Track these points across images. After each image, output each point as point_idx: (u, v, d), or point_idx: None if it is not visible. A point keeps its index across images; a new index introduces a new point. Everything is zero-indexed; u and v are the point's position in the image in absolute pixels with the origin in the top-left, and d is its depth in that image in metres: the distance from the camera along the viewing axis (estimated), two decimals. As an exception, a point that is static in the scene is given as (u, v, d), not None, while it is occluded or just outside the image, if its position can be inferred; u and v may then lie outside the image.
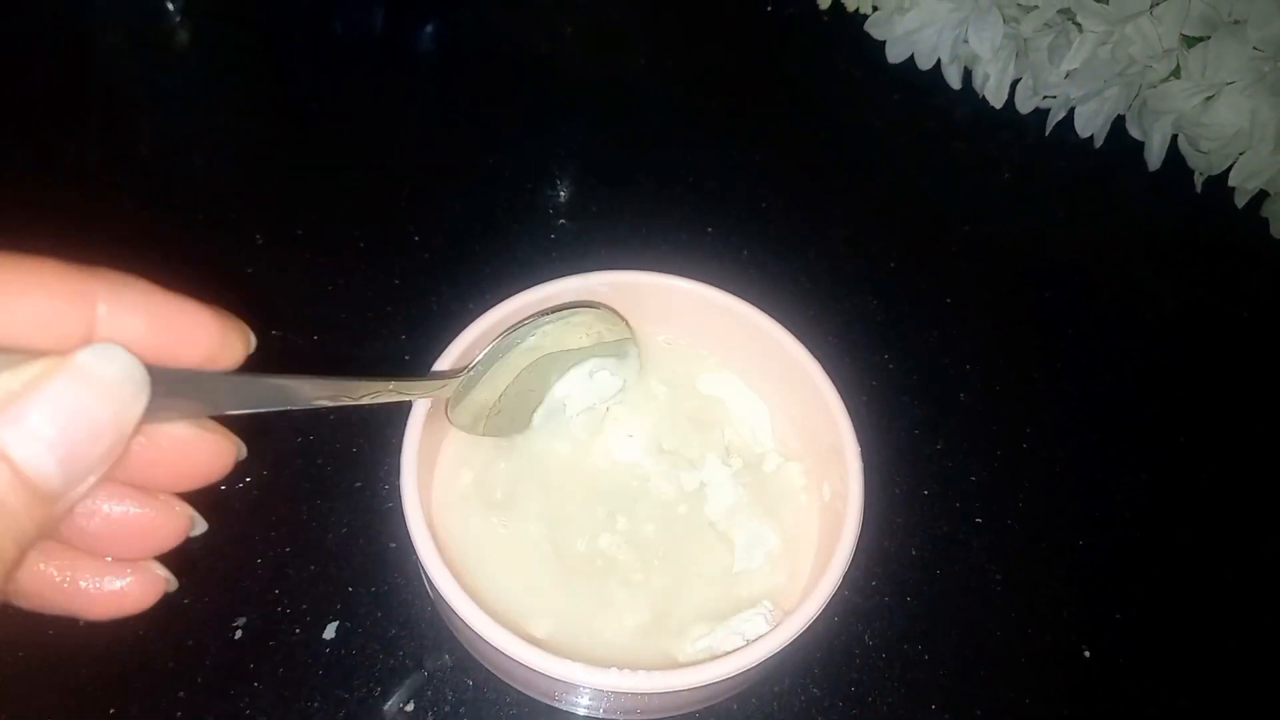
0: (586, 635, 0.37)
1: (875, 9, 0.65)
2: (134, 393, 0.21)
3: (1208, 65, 0.56)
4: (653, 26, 0.68)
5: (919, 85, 0.64)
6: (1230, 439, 0.52)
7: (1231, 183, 0.59)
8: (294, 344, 0.49)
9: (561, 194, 0.57)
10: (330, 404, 0.31)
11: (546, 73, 0.64)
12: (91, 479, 0.20)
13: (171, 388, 0.22)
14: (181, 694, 0.39)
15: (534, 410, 0.40)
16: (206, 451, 0.24)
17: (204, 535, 0.26)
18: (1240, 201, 0.59)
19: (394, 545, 0.43)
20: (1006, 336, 0.54)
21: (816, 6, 0.67)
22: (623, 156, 0.60)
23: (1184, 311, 0.58)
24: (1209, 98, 0.57)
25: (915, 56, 0.64)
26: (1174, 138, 0.60)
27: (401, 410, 0.36)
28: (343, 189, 0.56)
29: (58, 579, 0.23)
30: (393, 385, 0.32)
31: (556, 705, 0.38)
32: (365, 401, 0.32)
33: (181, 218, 0.53)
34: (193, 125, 0.59)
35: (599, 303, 0.40)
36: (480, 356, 0.36)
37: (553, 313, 0.38)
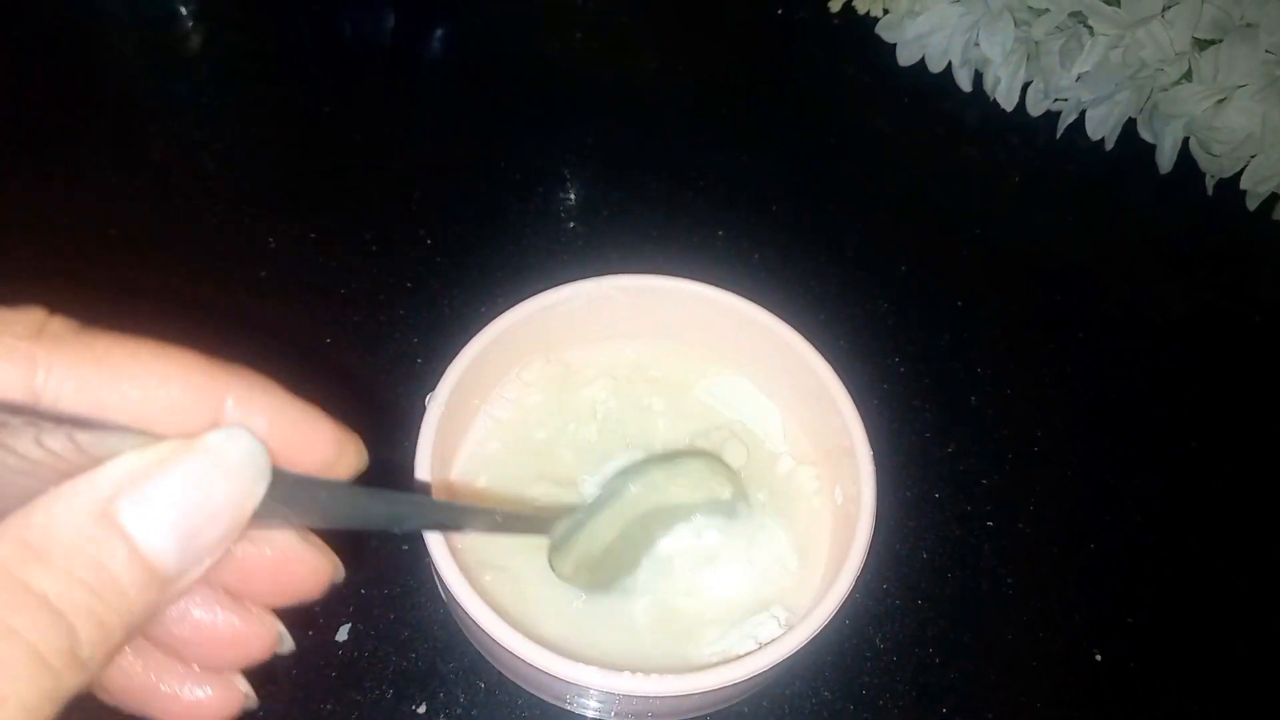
0: (599, 638, 0.37)
1: (886, 12, 0.65)
2: (255, 478, 0.20)
3: (1219, 69, 0.56)
4: (662, 30, 0.68)
5: (929, 88, 0.64)
6: (1241, 442, 0.52)
7: (1243, 186, 0.59)
8: (305, 347, 0.49)
9: (572, 197, 0.57)
10: (434, 530, 0.30)
11: (556, 77, 0.64)
12: (205, 564, 0.20)
13: (286, 491, 0.21)
14: (196, 695, 0.39)
15: (636, 567, 0.38)
16: (307, 565, 0.24)
17: None
18: (1252, 205, 0.59)
19: (407, 548, 0.43)
20: (1017, 340, 0.54)
21: (827, 10, 0.67)
22: (633, 160, 0.60)
23: (1195, 314, 0.57)
24: (1220, 101, 0.57)
25: (926, 60, 0.64)
26: (1185, 141, 0.60)
27: (416, 412, 0.37)
28: (354, 193, 0.56)
29: (140, 678, 0.23)
30: (500, 518, 0.31)
31: (568, 708, 0.38)
32: (468, 532, 0.32)
33: (194, 221, 0.54)
34: (205, 129, 0.59)
35: (710, 454, 0.40)
36: (586, 502, 0.36)
37: (662, 460, 0.37)
